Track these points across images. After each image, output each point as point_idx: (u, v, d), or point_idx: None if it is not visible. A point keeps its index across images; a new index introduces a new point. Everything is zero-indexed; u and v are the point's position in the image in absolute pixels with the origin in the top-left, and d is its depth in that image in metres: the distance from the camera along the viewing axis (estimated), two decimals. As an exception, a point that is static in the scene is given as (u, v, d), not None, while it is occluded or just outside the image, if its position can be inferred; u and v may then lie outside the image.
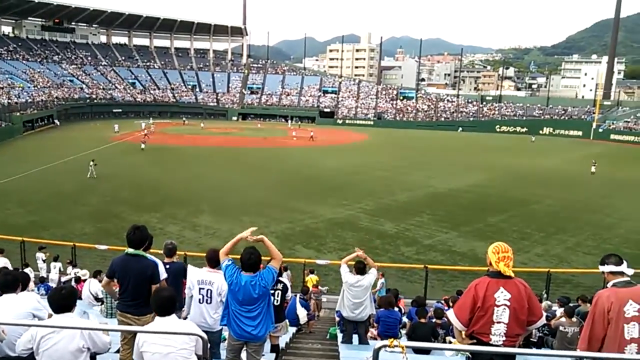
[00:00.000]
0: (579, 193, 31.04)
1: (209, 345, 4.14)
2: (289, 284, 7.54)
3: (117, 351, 4.97)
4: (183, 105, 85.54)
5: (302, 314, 9.21)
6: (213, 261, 5.60)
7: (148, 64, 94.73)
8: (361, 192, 29.21)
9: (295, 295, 9.61)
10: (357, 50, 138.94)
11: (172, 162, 38.96)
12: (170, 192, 28.27)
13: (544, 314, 4.53)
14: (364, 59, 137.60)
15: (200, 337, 3.90)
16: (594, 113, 71.72)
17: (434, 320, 8.17)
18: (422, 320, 7.86)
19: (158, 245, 6.43)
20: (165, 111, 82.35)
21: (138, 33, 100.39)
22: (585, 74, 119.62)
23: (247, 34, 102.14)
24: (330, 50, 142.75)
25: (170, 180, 31.64)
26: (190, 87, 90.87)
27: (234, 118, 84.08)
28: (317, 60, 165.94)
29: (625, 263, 4.07)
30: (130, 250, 5.03)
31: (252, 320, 4.96)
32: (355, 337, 7.79)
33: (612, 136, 66.81)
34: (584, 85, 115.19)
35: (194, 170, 35.39)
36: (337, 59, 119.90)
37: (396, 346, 3.39)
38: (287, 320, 7.37)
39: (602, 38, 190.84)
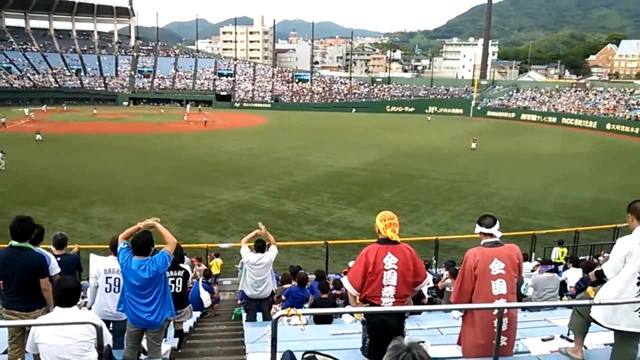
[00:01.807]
0: (462, 167, 33.60)
1: (108, 335, 4.06)
2: (190, 270, 7.50)
3: (5, 352, 4.70)
4: (67, 90, 78.81)
5: (205, 297, 9.20)
6: (117, 249, 5.45)
7: (24, 46, 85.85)
8: (261, 175, 29.27)
9: (198, 280, 9.56)
10: (251, 33, 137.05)
11: (58, 151, 36.05)
12: (57, 183, 26.26)
13: (428, 274, 4.96)
14: (258, 41, 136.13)
15: (95, 325, 3.79)
16: (472, 92, 77.46)
17: (333, 292, 8.55)
18: (324, 296, 8.20)
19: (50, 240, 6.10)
20: (48, 97, 75.34)
21: (10, 13, 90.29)
22: (464, 56, 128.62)
23: (134, 15, 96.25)
24: (224, 33, 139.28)
25: (57, 170, 29.35)
26: (74, 71, 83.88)
27: (125, 103, 79.43)
28: (210, 42, 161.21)
29: (497, 225, 4.41)
30: (15, 243, 4.73)
31: (146, 307, 4.89)
32: (259, 315, 7.96)
33: (489, 113, 72.87)
34: (464, 66, 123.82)
35: (84, 159, 33.10)
36: (231, 41, 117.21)
37: (293, 314, 3.55)
38: (190, 305, 7.35)
39: (478, 22, 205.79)
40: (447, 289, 8.68)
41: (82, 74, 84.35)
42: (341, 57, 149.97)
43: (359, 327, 5.21)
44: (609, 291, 4.21)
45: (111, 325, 5.32)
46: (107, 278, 5.45)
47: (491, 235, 4.40)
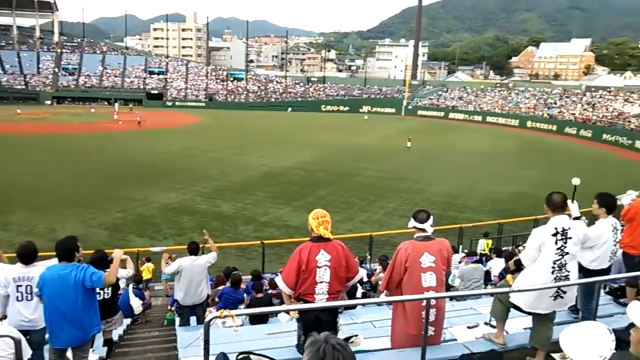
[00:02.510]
0: (394, 164, 34.51)
1: (27, 350, 3.84)
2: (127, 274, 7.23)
3: None
4: (-18, 89, 73.54)
5: (136, 304, 8.89)
6: (26, 257, 5.14)
7: None
8: (196, 175, 28.66)
9: (128, 286, 9.24)
10: (184, 30, 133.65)
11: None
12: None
13: (360, 270, 5.07)
14: (191, 39, 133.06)
15: (13, 338, 3.57)
16: (404, 92, 79.67)
17: (270, 291, 8.55)
18: (259, 295, 8.18)
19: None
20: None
21: None
22: (396, 57, 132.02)
23: (57, 9, 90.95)
24: (155, 29, 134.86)
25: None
26: (-10, 68, 78.37)
27: (48, 102, 74.93)
28: (140, 39, 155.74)
29: (430, 220, 4.60)
30: None
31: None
32: (193, 319, 7.81)
33: (420, 112, 75.33)
34: (395, 67, 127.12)
35: (4, 161, 31.01)
36: (162, 38, 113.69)
37: (227, 316, 3.53)
38: (120, 312, 7.10)
39: (408, 24, 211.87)
40: (380, 282, 8.90)
41: (0, 71, 78.91)
42: (276, 56, 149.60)
43: (294, 325, 5.25)
44: (526, 278, 4.50)
45: (29, 335, 5.04)
46: (17, 287, 5.14)
47: (423, 230, 4.58)
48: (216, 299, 8.22)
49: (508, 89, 76.82)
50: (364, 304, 7.44)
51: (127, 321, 8.53)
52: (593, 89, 67.79)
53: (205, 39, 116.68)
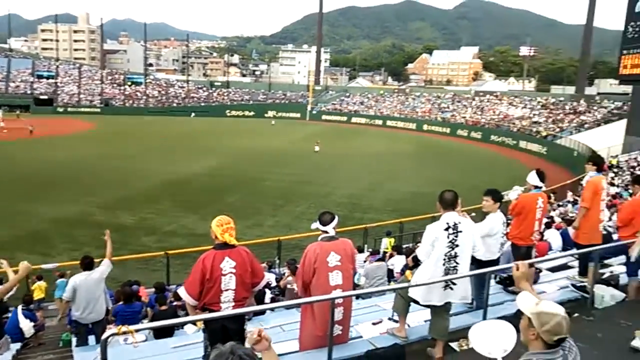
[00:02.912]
0: (302, 168, 34.88)
1: None
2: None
3: None
4: None
5: (26, 326, 8.18)
6: None
7: None
8: (93, 185, 26.97)
9: (17, 307, 8.49)
10: (75, 32, 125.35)
11: None
12: None
13: (268, 274, 5.09)
14: (84, 41, 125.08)
15: None
16: (308, 97, 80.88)
17: (174, 303, 8.28)
18: (163, 308, 7.88)
19: None
20: None
21: None
22: (299, 62, 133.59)
23: None
24: (43, 30, 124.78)
25: None
26: None
27: None
28: (26, 41, 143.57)
29: (333, 222, 4.78)
30: None
31: None
32: (92, 338, 7.34)
33: (324, 117, 76.85)
34: (299, 72, 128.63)
35: None
36: (51, 40, 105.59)
37: (125, 332, 3.38)
38: (7, 337, 6.49)
39: (311, 30, 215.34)
40: (289, 286, 8.96)
41: None
42: (177, 60, 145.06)
43: (202, 336, 5.13)
44: (423, 273, 4.77)
45: None
46: None
47: (326, 231, 4.75)
48: (112, 318, 7.79)
49: (405, 94, 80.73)
50: (272, 309, 7.43)
51: (17, 346, 7.83)
52: (481, 94, 73.23)
53: (100, 42, 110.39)
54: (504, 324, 2.65)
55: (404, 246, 14.06)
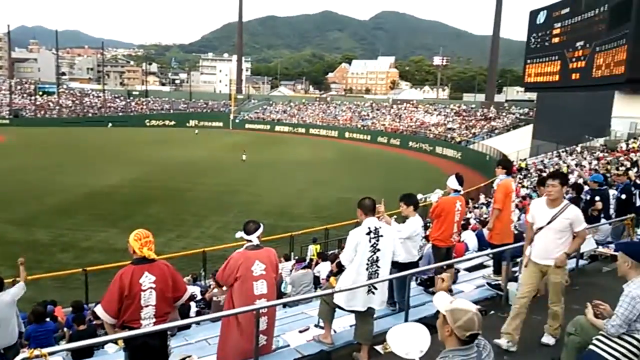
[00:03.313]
0: (228, 177, 34.40)
1: None
2: None
3: None
4: None
5: None
6: None
7: None
8: (4, 201, 25.09)
9: None
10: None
11: None
12: None
13: (192, 287, 4.95)
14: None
15: None
16: (230, 106, 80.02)
17: (94, 322, 7.84)
18: (81, 327, 7.45)
19: None
20: None
21: None
22: (220, 71, 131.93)
23: None
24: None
25: None
26: None
27: None
28: None
29: (258, 232, 4.75)
30: None
31: None
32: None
33: (247, 125, 76.38)
34: (220, 81, 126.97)
35: None
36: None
37: (37, 356, 3.17)
38: None
39: (231, 39, 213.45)
40: (215, 298, 8.77)
41: None
42: (92, 69, 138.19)
43: (122, 355, 4.88)
44: (346, 278, 4.84)
45: None
46: None
47: (250, 240, 4.72)
48: (25, 342, 7.24)
49: (327, 103, 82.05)
50: (198, 323, 7.23)
51: None
52: (399, 102, 76.01)
53: (7, 49, 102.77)
54: (419, 325, 2.75)
55: (330, 252, 14.23)
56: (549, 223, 4.90)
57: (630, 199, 9.19)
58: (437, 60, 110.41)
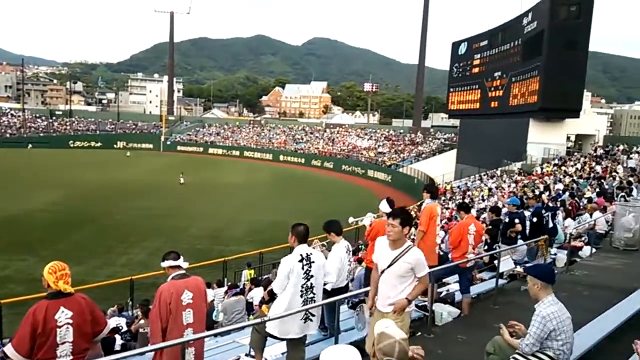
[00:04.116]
0: (158, 201, 33.35)
1: None
2: None
3: None
4: None
5: None
6: None
7: None
8: None
9: None
10: None
11: None
12: None
13: (114, 319, 4.74)
14: None
15: None
16: (161, 127, 78.07)
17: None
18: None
19: None
20: None
21: None
22: (150, 91, 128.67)
23: None
24: None
25: None
26: None
27: None
28: None
29: (181, 258, 4.61)
30: None
31: None
32: None
33: (179, 147, 74.63)
34: (150, 102, 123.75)
35: None
36: None
37: None
38: None
39: (162, 59, 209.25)
40: (141, 330, 8.41)
41: None
42: (11, 87, 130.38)
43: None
44: (280, 306, 4.80)
45: None
46: None
47: (179, 267, 4.56)
48: None
49: (261, 126, 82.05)
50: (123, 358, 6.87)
51: None
52: (332, 126, 77.41)
53: None
54: (350, 348, 2.79)
55: (264, 277, 14.09)
56: (389, 266, 4.47)
57: (541, 222, 9.86)
58: (367, 87, 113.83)
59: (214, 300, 11.64)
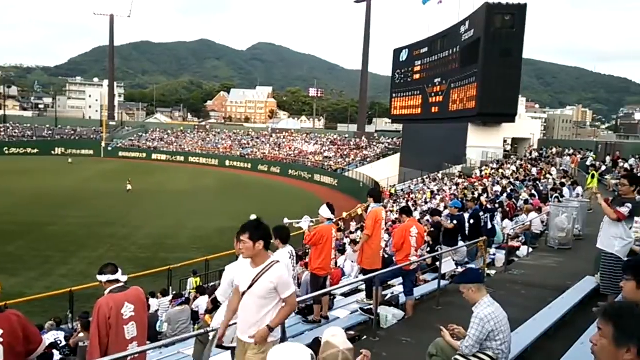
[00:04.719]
0: (100, 209, 32.19)
1: None
2: None
3: None
4: None
5: None
6: None
7: None
8: None
9: None
10: None
11: None
12: None
13: (50, 335, 4.55)
14: None
15: None
16: (102, 133, 75.35)
17: None
18: None
19: None
20: None
21: None
22: (90, 96, 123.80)
23: None
24: None
25: None
26: None
27: None
28: None
29: (120, 271, 4.47)
30: None
31: None
32: None
33: (121, 153, 72.30)
34: (90, 107, 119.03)
35: None
36: None
37: None
38: None
39: (102, 63, 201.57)
40: (81, 344, 8.10)
41: None
42: None
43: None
44: (222, 315, 4.75)
45: None
46: None
47: (117, 280, 4.43)
48: None
49: (206, 131, 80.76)
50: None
51: None
52: (278, 131, 77.25)
53: None
54: (298, 345, 2.76)
55: (211, 284, 13.89)
56: (250, 287, 3.92)
57: (478, 223, 10.28)
58: (312, 92, 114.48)
59: (158, 310, 11.37)
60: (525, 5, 33.47)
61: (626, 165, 21.00)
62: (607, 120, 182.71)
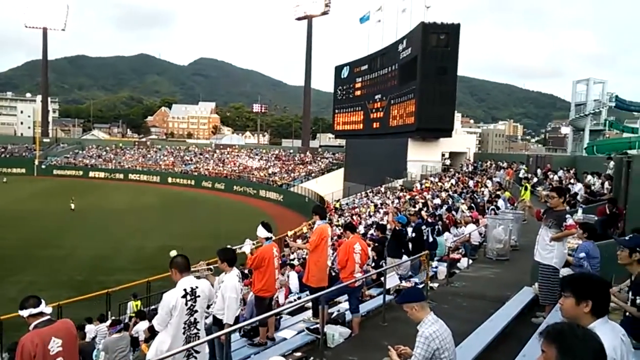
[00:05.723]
0: (34, 229, 30.57)
1: None
2: None
3: None
4: None
5: None
6: None
7: None
8: None
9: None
10: None
11: None
12: None
13: None
14: None
15: None
16: (35, 150, 71.70)
17: None
18: None
19: None
20: None
21: None
22: (22, 112, 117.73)
23: None
24: None
25: None
26: None
27: None
28: None
29: (43, 303, 4.24)
30: None
31: None
32: None
33: (55, 171, 68.94)
34: (22, 123, 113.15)
35: None
36: None
37: None
38: None
39: (35, 77, 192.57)
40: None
41: None
42: None
43: None
44: (162, 343, 4.56)
45: None
46: None
47: (42, 314, 4.21)
48: None
49: (147, 147, 78.53)
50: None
51: None
52: (222, 147, 76.30)
53: None
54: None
55: (152, 307, 13.41)
56: None
57: (420, 237, 10.51)
58: (256, 108, 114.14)
59: (95, 337, 10.82)
60: (459, 25, 34.97)
61: (555, 177, 22.15)
62: (536, 134, 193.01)
